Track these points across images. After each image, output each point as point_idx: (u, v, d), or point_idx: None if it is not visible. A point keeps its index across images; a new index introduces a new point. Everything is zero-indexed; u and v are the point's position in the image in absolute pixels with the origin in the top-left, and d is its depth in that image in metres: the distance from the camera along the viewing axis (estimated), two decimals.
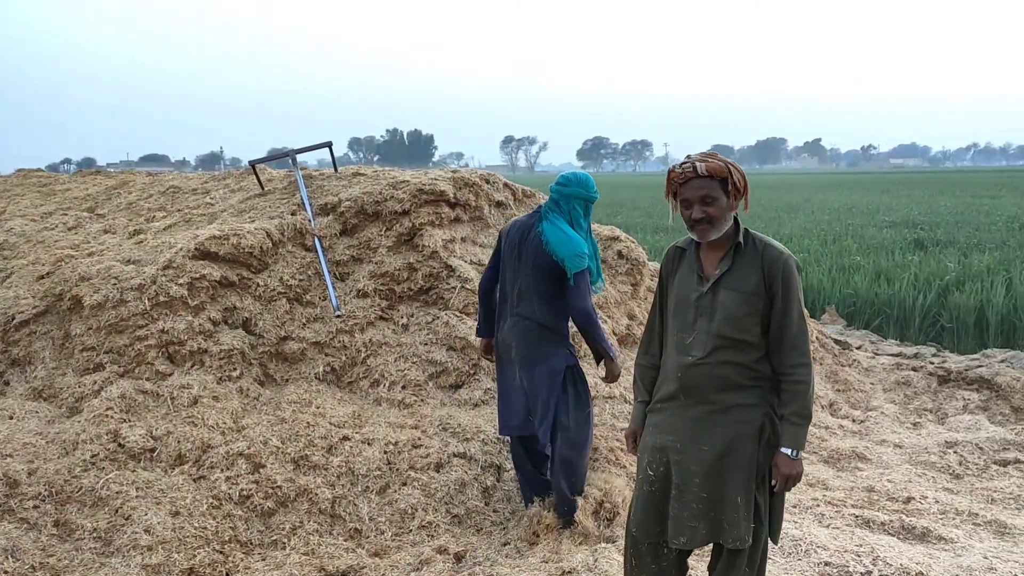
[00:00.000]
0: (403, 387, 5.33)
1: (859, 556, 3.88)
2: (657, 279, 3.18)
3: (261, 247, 5.65)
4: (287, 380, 5.35)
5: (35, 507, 4.07)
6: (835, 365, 7.57)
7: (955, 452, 5.68)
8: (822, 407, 6.65)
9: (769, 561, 3.49)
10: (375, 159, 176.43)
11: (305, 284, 5.70)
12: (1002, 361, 7.97)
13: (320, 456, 4.61)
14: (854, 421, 6.58)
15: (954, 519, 4.59)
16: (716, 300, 2.87)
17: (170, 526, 4.01)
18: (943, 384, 7.44)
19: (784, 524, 3.48)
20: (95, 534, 3.99)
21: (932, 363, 8.05)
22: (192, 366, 5.12)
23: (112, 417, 4.65)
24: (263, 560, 4.04)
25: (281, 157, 6.94)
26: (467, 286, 5.71)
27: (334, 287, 5.68)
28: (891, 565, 3.79)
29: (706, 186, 2.82)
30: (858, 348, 8.87)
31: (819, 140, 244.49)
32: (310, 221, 5.98)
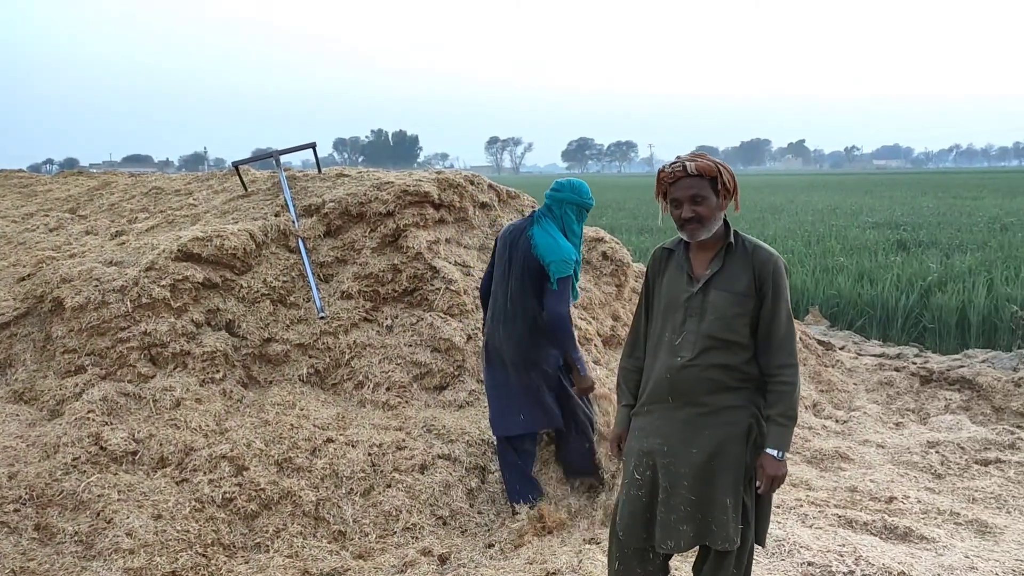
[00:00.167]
0: (387, 389, 5.32)
1: (842, 556, 3.90)
2: (643, 280, 3.18)
3: (244, 248, 5.63)
4: (271, 382, 5.33)
5: (16, 511, 4.04)
6: (818, 366, 7.61)
7: (937, 452, 5.72)
8: (805, 407, 6.68)
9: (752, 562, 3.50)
10: (360, 160, 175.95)
11: (289, 286, 5.67)
12: (983, 361, 8.03)
13: (304, 458, 4.59)
14: (837, 421, 6.61)
15: (936, 519, 4.61)
16: (706, 300, 2.88)
17: (152, 529, 3.99)
18: (925, 384, 7.50)
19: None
20: (76, 538, 3.96)
21: (914, 363, 8.11)
22: (175, 368, 5.09)
23: (94, 420, 4.61)
24: (246, 563, 4.02)
25: (265, 158, 6.91)
26: (451, 287, 5.71)
27: (318, 288, 5.66)
28: (873, 565, 3.80)
29: (696, 185, 2.83)
30: (841, 349, 8.91)
31: (803, 141, 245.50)
32: (294, 222, 5.96)
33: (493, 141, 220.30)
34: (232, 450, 4.52)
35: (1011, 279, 11.31)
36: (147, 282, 5.22)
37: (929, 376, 7.58)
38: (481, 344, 4.86)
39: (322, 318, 5.52)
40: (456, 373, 5.43)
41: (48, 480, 4.20)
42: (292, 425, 4.79)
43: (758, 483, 2.90)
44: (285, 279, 5.68)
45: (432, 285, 5.75)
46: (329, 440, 4.74)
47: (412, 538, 4.29)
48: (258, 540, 4.18)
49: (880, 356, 8.79)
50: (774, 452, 2.85)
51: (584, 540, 4.18)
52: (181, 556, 3.92)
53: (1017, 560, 4.01)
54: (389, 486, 4.53)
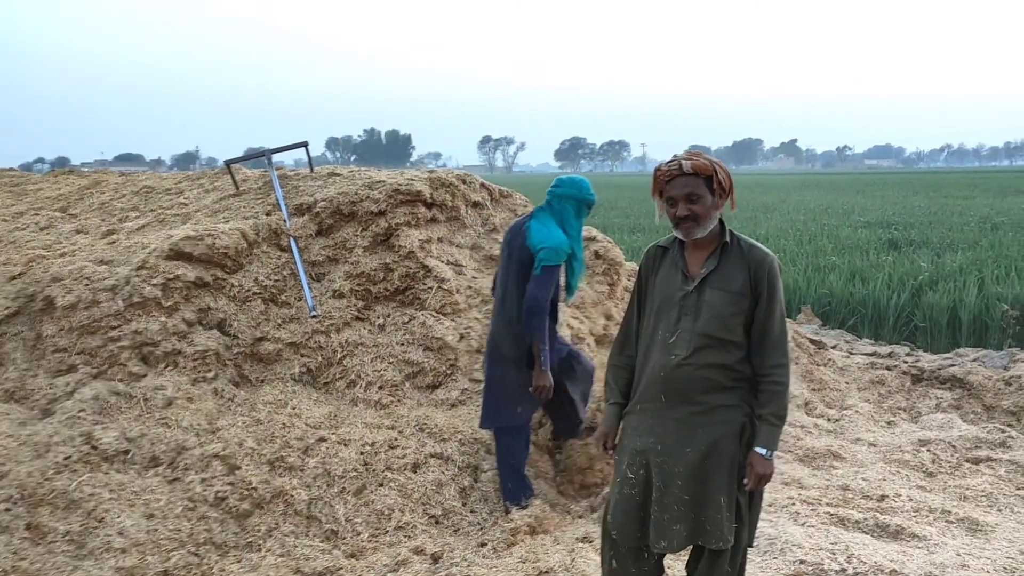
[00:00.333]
0: (379, 387, 5.31)
1: (834, 554, 3.91)
2: (635, 279, 3.18)
3: (236, 247, 5.61)
4: (262, 381, 5.32)
5: (7, 510, 4.01)
6: (810, 364, 7.63)
7: (928, 450, 5.73)
8: (797, 406, 6.69)
9: None
10: (352, 159, 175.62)
11: (280, 284, 5.66)
12: (974, 360, 8.07)
13: (296, 457, 4.59)
14: (829, 420, 6.63)
15: (927, 517, 4.63)
16: (702, 299, 2.88)
17: (144, 528, 3.97)
18: (916, 383, 7.52)
19: (759, 523, 3.49)
20: (68, 537, 3.94)
21: (906, 362, 8.14)
22: (166, 367, 5.07)
23: (85, 419, 4.59)
24: (238, 562, 4.01)
25: (257, 157, 6.89)
26: (444, 286, 5.70)
27: (310, 287, 5.65)
28: (865, 563, 3.81)
29: (691, 184, 2.84)
30: (833, 347, 8.93)
31: (795, 141, 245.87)
32: (285, 221, 5.95)
33: (486, 140, 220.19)
34: (224, 449, 4.51)
35: (1002, 278, 11.37)
36: (138, 281, 5.20)
37: (920, 375, 7.60)
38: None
39: (314, 317, 5.51)
40: (448, 372, 5.42)
41: (39, 479, 4.18)
42: (284, 424, 4.78)
43: (745, 480, 2.89)
44: (277, 278, 5.67)
45: (424, 284, 5.75)
46: (321, 439, 4.73)
47: (404, 537, 4.28)
48: (250, 539, 4.17)
49: (872, 355, 8.82)
50: (763, 451, 2.86)
51: (577, 539, 4.18)
52: (173, 555, 3.90)
53: (1008, 558, 4.02)
54: (381, 485, 4.53)
